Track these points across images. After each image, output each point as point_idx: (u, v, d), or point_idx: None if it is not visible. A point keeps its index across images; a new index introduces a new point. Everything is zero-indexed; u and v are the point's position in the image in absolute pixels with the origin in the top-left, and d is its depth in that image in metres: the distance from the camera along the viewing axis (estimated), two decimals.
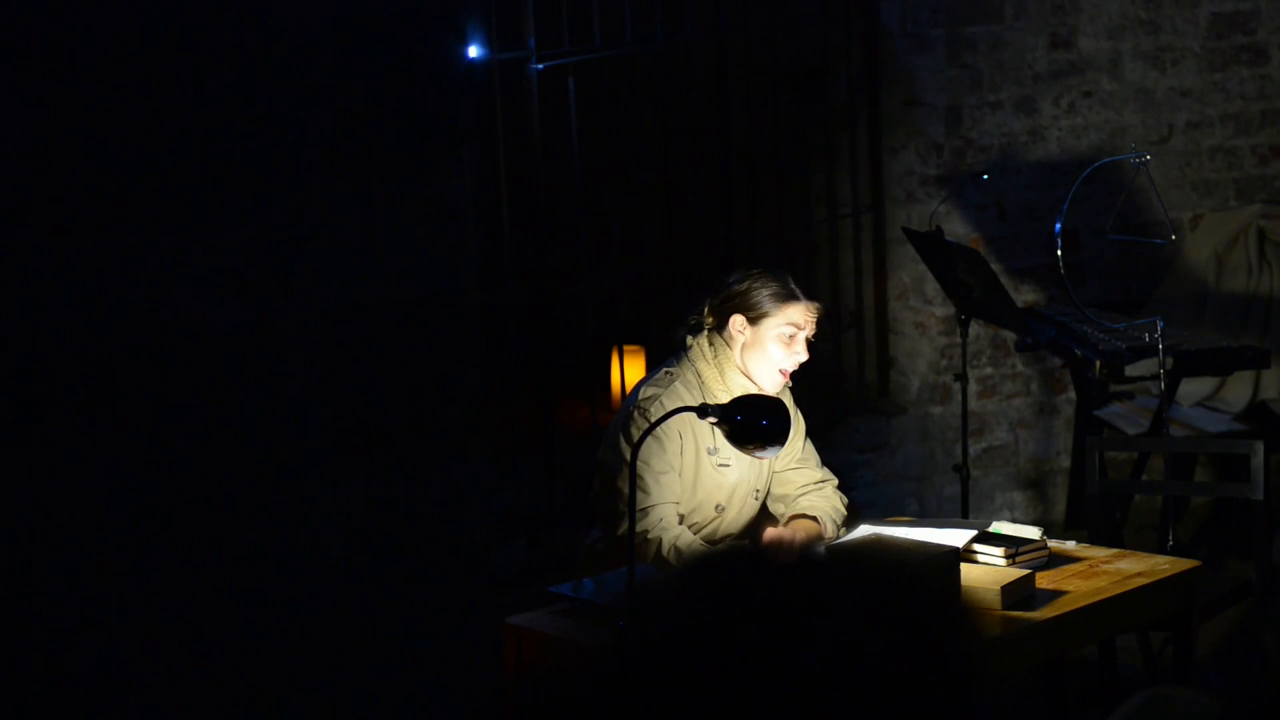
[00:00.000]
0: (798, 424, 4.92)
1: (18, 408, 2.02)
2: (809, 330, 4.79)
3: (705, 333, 4.82)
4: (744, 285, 4.81)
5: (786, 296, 4.77)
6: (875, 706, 1.33)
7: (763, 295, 4.77)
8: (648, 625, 1.41)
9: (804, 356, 4.80)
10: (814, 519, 4.83)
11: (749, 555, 1.52)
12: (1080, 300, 6.44)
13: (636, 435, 4.47)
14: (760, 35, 6.90)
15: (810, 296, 4.89)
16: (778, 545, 4.71)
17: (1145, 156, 5.99)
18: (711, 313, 4.84)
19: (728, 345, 4.80)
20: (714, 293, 4.87)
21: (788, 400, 4.86)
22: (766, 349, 4.76)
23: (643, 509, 4.61)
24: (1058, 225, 6.07)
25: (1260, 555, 5.41)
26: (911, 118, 7.18)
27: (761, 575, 1.42)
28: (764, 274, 4.83)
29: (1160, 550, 5.29)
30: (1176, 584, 4.68)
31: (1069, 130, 7.31)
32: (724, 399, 4.61)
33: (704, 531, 4.81)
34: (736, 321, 4.78)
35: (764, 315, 4.76)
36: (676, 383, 4.76)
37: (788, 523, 4.86)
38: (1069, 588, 4.55)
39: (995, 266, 6.54)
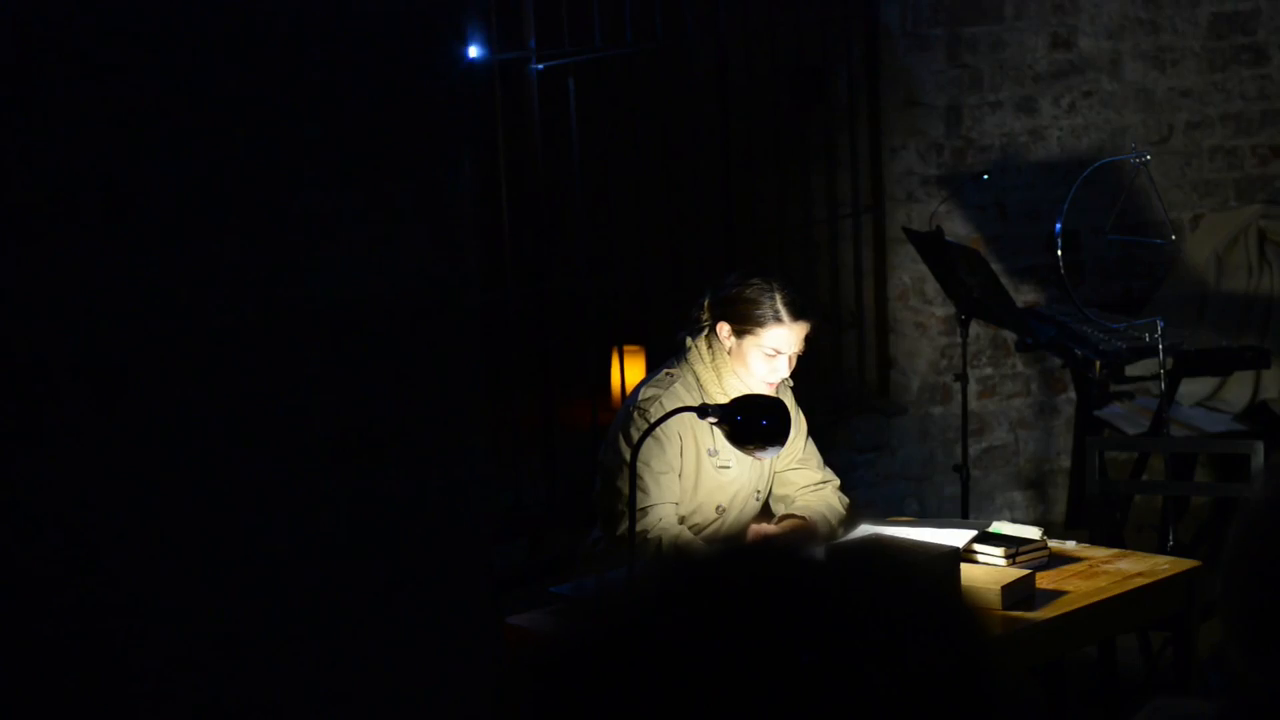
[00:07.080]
0: (799, 424, 4.91)
1: (19, 407, 2.03)
2: (793, 350, 4.76)
3: (704, 334, 4.80)
4: (736, 292, 4.76)
5: (774, 318, 4.70)
6: (875, 708, 1.33)
7: (752, 311, 4.71)
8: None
9: (785, 374, 4.77)
10: (804, 519, 4.82)
11: (746, 554, 1.52)
12: (1080, 300, 6.44)
13: (636, 436, 4.47)
14: (760, 35, 6.90)
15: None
16: (761, 539, 4.70)
17: (1145, 156, 5.99)
18: (709, 310, 4.82)
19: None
20: (714, 289, 4.85)
21: (789, 400, 4.86)
22: (748, 363, 4.75)
23: (642, 509, 4.61)
24: (1058, 225, 6.07)
25: None
26: (911, 118, 7.18)
27: (759, 574, 1.42)
28: (761, 285, 4.74)
29: (1160, 550, 5.29)
30: (1176, 584, 4.68)
31: (1069, 130, 7.31)
32: (721, 402, 4.60)
33: (705, 533, 4.81)
34: (723, 329, 4.76)
35: (748, 332, 4.73)
36: (677, 384, 4.76)
37: (778, 523, 4.86)
38: (1069, 588, 4.55)
39: (995, 266, 6.54)
